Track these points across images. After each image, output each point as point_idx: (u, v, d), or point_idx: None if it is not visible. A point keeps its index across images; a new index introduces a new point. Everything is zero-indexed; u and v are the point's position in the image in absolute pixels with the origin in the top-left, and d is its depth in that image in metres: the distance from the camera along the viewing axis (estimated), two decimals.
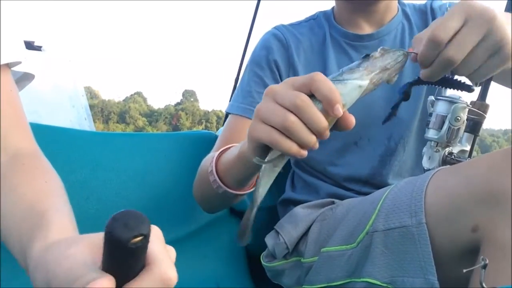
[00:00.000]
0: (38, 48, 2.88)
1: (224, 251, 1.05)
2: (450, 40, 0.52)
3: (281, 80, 0.93)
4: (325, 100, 0.48)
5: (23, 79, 0.67)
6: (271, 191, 1.02)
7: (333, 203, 0.86)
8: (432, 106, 0.79)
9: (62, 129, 1.00)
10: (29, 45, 2.81)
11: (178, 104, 72.03)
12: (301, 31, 0.96)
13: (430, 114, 0.77)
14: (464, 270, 0.48)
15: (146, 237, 0.30)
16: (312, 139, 0.49)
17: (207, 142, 1.13)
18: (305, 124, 0.49)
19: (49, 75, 2.85)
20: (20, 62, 0.61)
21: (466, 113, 0.75)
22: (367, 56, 0.52)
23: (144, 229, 0.30)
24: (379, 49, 0.53)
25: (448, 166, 0.68)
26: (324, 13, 0.99)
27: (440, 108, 0.76)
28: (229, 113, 0.92)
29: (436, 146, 0.76)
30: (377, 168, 0.90)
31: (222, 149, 0.74)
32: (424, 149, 0.79)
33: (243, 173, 0.66)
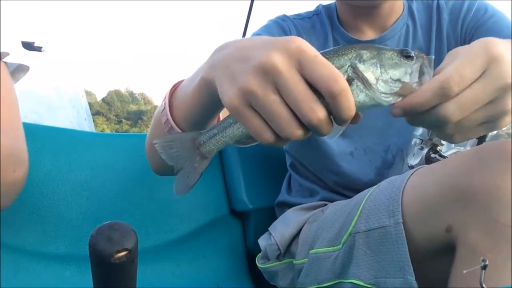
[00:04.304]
0: (38, 49, 2.89)
1: (224, 251, 1.05)
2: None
3: None
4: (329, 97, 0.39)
5: (18, 70, 0.66)
6: (271, 191, 1.03)
7: (325, 205, 0.85)
8: None
9: (63, 130, 1.01)
10: (29, 46, 2.82)
11: None
12: (304, 27, 0.90)
13: None
14: (465, 271, 0.47)
15: (131, 252, 0.28)
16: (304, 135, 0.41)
17: None
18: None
19: (49, 75, 2.85)
20: (8, 54, 0.60)
21: None
22: (406, 53, 0.42)
23: (129, 244, 0.28)
24: (425, 59, 0.43)
25: (427, 165, 0.66)
26: (327, 9, 0.93)
27: None
28: None
29: (421, 143, 0.76)
30: (374, 180, 0.86)
31: (175, 83, 0.59)
32: (410, 146, 0.79)
33: (204, 109, 0.53)
